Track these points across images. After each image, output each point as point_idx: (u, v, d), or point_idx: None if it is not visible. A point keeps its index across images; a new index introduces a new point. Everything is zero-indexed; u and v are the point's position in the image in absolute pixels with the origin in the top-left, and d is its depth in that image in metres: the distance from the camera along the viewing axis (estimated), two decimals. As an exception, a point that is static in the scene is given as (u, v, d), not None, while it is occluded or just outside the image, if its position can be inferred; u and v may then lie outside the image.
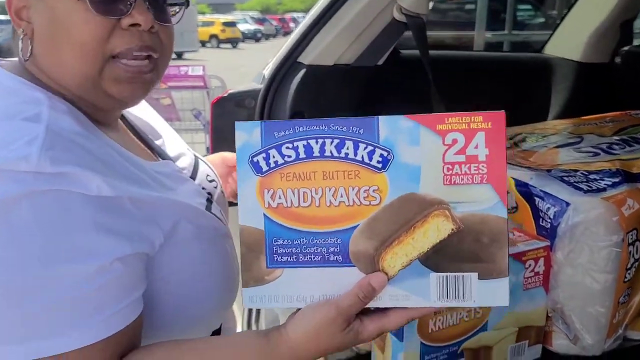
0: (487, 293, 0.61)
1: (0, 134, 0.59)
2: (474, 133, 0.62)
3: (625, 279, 1.02)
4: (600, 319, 1.03)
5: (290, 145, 0.62)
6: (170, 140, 0.87)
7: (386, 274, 0.60)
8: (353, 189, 0.62)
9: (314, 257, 0.62)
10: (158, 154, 0.80)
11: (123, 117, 0.81)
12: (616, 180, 1.07)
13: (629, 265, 1.02)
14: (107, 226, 0.59)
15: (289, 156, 0.62)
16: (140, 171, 0.68)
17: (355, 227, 0.62)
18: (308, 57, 1.42)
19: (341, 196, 0.62)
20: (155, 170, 0.72)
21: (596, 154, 1.25)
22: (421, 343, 0.91)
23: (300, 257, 0.62)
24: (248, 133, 0.62)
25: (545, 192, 1.07)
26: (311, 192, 0.62)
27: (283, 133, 0.62)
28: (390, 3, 1.39)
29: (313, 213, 0.62)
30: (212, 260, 0.74)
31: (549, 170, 1.14)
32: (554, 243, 1.03)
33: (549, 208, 1.06)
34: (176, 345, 0.65)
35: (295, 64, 1.42)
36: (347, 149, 0.62)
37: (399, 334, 0.94)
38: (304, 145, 0.62)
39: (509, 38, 5.56)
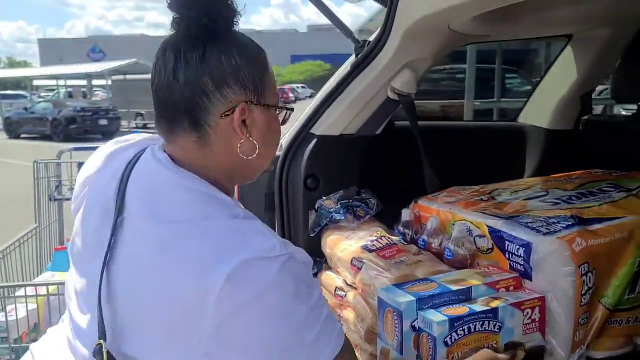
0: None
1: (231, 232, 0.80)
2: (534, 308, 1.19)
3: (582, 303, 1.24)
4: (565, 336, 1.25)
5: (461, 328, 1.10)
6: None
7: None
8: (487, 345, 1.14)
9: None
10: None
11: None
12: (569, 223, 1.32)
13: (583, 292, 1.23)
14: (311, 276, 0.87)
15: (461, 335, 1.10)
16: None
17: None
18: (319, 128, 1.70)
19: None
20: None
21: (557, 204, 1.50)
22: None
23: None
24: (442, 326, 1.09)
25: (513, 236, 1.32)
26: (469, 350, 1.11)
27: (459, 322, 1.10)
28: (385, 84, 1.66)
29: None
30: None
31: (517, 217, 1.39)
32: (529, 274, 1.25)
33: (518, 248, 1.31)
34: None
35: (308, 134, 1.71)
36: (485, 325, 1.13)
37: (398, 348, 1.16)
38: (467, 327, 1.11)
39: (498, 105, 5.87)
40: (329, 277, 1.54)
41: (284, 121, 0.96)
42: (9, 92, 30.26)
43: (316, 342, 0.80)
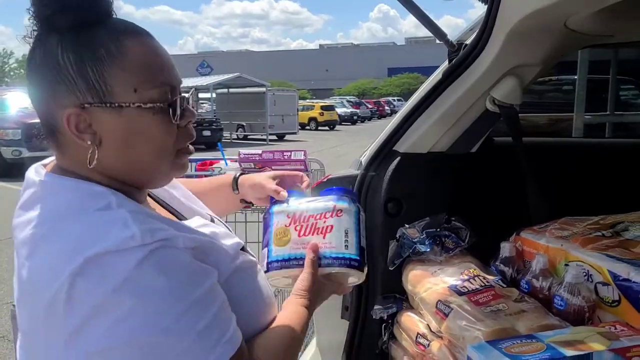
0: None
1: (88, 226, 0.70)
2: None
3: None
4: None
5: None
6: (185, 202, 1.01)
7: None
8: None
9: None
10: (178, 217, 0.95)
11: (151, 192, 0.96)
12: None
13: None
14: (199, 264, 0.76)
15: None
16: (189, 227, 0.83)
17: None
18: (403, 145, 1.49)
19: None
20: (193, 225, 0.85)
21: None
22: None
23: None
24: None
25: (649, 286, 1.03)
26: None
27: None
28: (483, 95, 1.43)
29: None
30: (256, 289, 0.90)
31: (653, 263, 1.10)
32: None
33: (657, 303, 1.02)
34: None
35: (391, 152, 1.50)
36: None
37: None
38: None
39: (612, 119, 5.33)
40: (410, 320, 1.34)
41: (182, 116, 0.80)
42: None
43: (190, 351, 0.70)
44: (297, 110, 22.52)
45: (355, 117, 31.04)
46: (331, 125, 26.58)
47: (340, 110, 29.44)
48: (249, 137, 20.46)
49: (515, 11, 1.21)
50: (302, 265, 0.95)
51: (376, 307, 1.43)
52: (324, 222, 0.97)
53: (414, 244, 1.39)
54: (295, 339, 0.89)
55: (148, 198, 0.92)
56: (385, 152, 1.49)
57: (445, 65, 1.49)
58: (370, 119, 33.57)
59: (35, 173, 0.80)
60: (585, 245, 1.25)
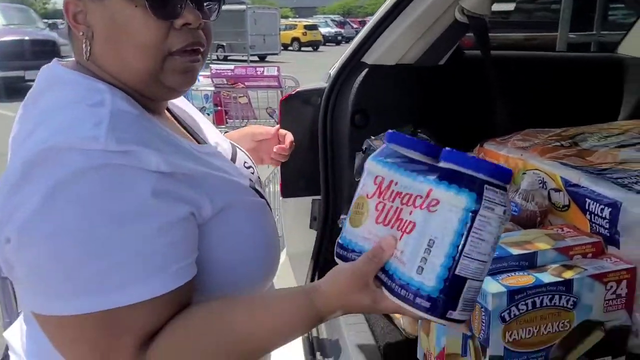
0: None
1: (69, 118, 0.67)
2: (620, 282, 0.97)
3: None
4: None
5: (523, 302, 0.91)
6: (209, 130, 0.94)
7: None
8: (557, 324, 0.94)
9: None
10: (198, 140, 0.87)
11: (167, 108, 0.89)
12: (673, 180, 1.06)
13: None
14: (164, 193, 0.67)
15: (523, 310, 0.91)
16: (186, 149, 0.76)
17: (552, 345, 0.94)
18: (371, 57, 1.48)
19: (550, 329, 0.94)
20: (202, 151, 0.79)
21: (658, 155, 1.23)
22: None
23: None
24: (499, 298, 0.89)
25: (596, 192, 1.08)
26: (533, 329, 0.93)
27: (521, 295, 0.90)
28: (452, 4, 1.41)
29: (531, 341, 0.93)
30: (257, 233, 0.81)
31: (602, 170, 1.14)
32: (615, 240, 1.04)
33: (602, 208, 1.07)
34: (229, 299, 0.73)
35: (358, 63, 1.49)
36: (555, 300, 0.93)
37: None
38: (531, 301, 0.91)
39: (598, 39, 5.27)
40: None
41: (174, 14, 0.73)
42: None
43: (121, 268, 0.64)
44: (279, 30, 21.85)
45: (339, 38, 30.24)
46: (315, 45, 25.93)
47: (324, 30, 28.63)
48: (229, 57, 19.94)
49: None
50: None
51: (342, 216, 1.47)
52: (410, 212, 0.60)
53: (380, 156, 1.41)
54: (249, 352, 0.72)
55: (167, 114, 0.87)
56: (353, 63, 1.48)
57: (416, -26, 1.45)
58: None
59: (47, 67, 0.79)
60: (544, 154, 1.29)
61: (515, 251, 1.00)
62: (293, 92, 1.57)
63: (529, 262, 1.01)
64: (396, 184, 0.61)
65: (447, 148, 0.60)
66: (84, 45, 0.74)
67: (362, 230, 0.63)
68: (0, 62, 10.12)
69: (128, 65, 0.74)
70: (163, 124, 0.79)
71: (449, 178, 0.57)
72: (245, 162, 0.94)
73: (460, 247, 0.55)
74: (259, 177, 0.97)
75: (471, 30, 1.44)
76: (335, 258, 0.67)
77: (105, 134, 0.65)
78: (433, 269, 0.56)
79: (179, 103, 0.94)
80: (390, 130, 0.68)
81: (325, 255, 1.55)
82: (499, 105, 1.54)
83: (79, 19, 0.74)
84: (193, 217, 0.71)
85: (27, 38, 10.64)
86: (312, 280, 1.52)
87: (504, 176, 0.56)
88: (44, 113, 0.71)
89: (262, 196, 0.86)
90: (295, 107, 1.55)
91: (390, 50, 1.46)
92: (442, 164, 0.59)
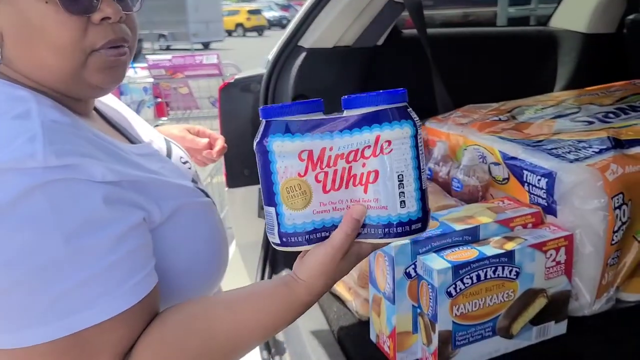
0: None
1: None
2: (559, 249, 1.02)
3: (613, 242, 1.05)
4: (592, 279, 1.07)
5: (468, 276, 0.96)
6: (140, 127, 0.89)
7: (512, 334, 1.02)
8: (501, 294, 0.99)
9: (478, 337, 1.00)
10: (131, 139, 0.83)
11: (95, 108, 0.83)
12: (603, 147, 1.09)
13: (616, 228, 1.05)
14: (116, 200, 0.63)
15: (468, 284, 0.96)
16: (123, 153, 0.71)
17: (499, 315, 1.01)
18: (308, 40, 1.46)
19: (495, 300, 0.99)
20: (136, 152, 0.75)
21: (590, 123, 1.27)
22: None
23: (470, 339, 1.00)
24: (444, 274, 0.94)
25: (532, 164, 1.11)
26: (479, 301, 0.98)
27: (465, 269, 0.95)
28: (387, -16, 1.42)
29: (478, 313, 0.99)
30: (207, 233, 0.79)
31: (538, 142, 1.17)
32: (553, 209, 1.07)
33: (539, 179, 1.10)
34: (206, 301, 0.71)
35: (296, 47, 1.47)
36: (499, 272, 0.98)
37: (390, 297, 1.00)
38: (476, 275, 0.96)
39: (537, 12, 5.39)
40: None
41: (83, 8, 0.67)
42: None
43: (84, 287, 0.60)
44: (222, 16, 21.45)
45: (284, 21, 29.92)
46: (259, 30, 25.63)
47: (268, 14, 28.32)
48: (171, 47, 19.44)
49: None
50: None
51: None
52: (363, 165, 0.61)
53: (323, 139, 1.40)
54: (237, 350, 0.69)
55: (95, 114, 0.81)
56: (290, 48, 1.45)
57: (348, -48, 1.43)
58: (299, 22, 32.51)
59: None
60: (483, 129, 1.31)
61: (458, 227, 1.02)
62: (231, 80, 1.54)
63: (472, 236, 1.02)
64: (331, 148, 0.61)
65: (344, 97, 0.62)
66: None
67: (311, 207, 0.62)
68: None
69: (46, 67, 0.68)
70: (93, 126, 0.74)
71: (385, 118, 0.59)
72: (181, 158, 0.90)
73: (420, 167, 0.61)
74: (196, 171, 0.94)
75: (406, 9, 1.44)
76: (281, 248, 0.64)
77: (42, 149, 0.60)
78: (411, 196, 0.60)
79: (105, 100, 0.88)
80: (260, 107, 0.69)
81: (275, 243, 1.54)
82: (437, 83, 1.55)
83: None
84: (145, 223, 0.68)
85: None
86: (264, 268, 1.51)
87: (405, 95, 0.61)
88: None
89: (207, 195, 0.84)
90: (234, 95, 1.51)
91: (327, 32, 1.44)
92: (355, 112, 0.60)
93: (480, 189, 1.20)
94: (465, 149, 1.28)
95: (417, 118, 0.60)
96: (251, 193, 1.58)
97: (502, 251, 0.98)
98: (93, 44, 0.68)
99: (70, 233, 0.59)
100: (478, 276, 0.96)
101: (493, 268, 0.97)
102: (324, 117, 0.61)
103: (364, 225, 0.62)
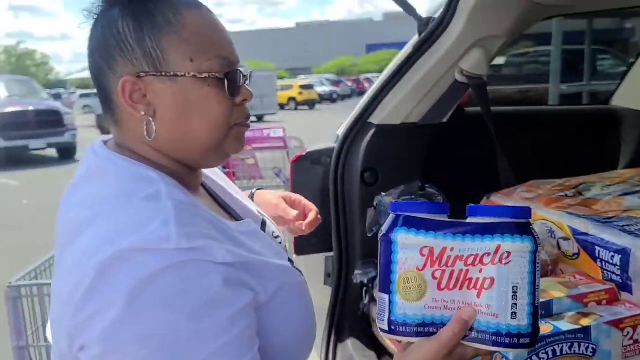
0: None
1: (132, 215, 0.67)
2: (636, 327, 1.00)
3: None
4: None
5: (543, 351, 0.94)
6: (239, 198, 0.94)
7: None
8: None
9: None
10: (232, 214, 0.88)
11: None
12: (678, 225, 1.09)
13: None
14: (232, 281, 0.68)
15: (543, 359, 0.94)
16: (230, 232, 0.75)
17: None
18: (378, 117, 1.55)
19: None
20: (240, 230, 0.79)
21: (661, 201, 1.27)
22: None
23: None
24: None
25: (605, 240, 1.11)
26: None
27: (540, 343, 0.93)
28: (452, 66, 1.49)
29: None
30: (304, 311, 0.82)
31: (609, 219, 1.18)
32: (628, 286, 1.06)
33: (612, 255, 1.10)
34: None
35: (366, 124, 1.56)
36: (575, 348, 0.96)
37: None
38: (551, 350, 0.95)
39: (588, 88, 5.42)
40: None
41: (238, 92, 0.78)
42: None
43: None
44: (276, 90, 22.36)
45: (335, 96, 30.91)
46: (311, 104, 26.44)
47: (319, 89, 29.28)
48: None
49: (478, -15, 1.27)
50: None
51: (356, 272, 1.50)
52: (480, 270, 0.64)
53: (391, 211, 1.45)
54: None
55: (201, 188, 0.87)
56: (360, 124, 1.54)
57: (415, 39, 1.54)
58: (350, 96, 33.44)
59: (92, 149, 0.79)
60: (549, 204, 1.33)
61: (531, 300, 1.03)
62: (303, 153, 1.63)
63: (545, 310, 1.03)
64: (451, 249, 0.64)
65: (469, 205, 0.66)
66: (147, 125, 0.74)
67: (424, 301, 0.65)
68: (4, 133, 10.31)
69: (196, 140, 0.76)
70: (204, 203, 0.80)
71: (508, 230, 0.63)
72: (273, 232, 0.94)
73: (535, 283, 0.63)
74: (285, 246, 0.97)
75: (471, 89, 1.51)
76: (389, 335, 0.67)
77: (176, 232, 0.65)
78: (523, 310, 0.63)
79: (209, 172, 0.95)
80: (392, 201, 0.74)
81: (342, 310, 1.57)
82: (501, 159, 1.59)
83: (135, 99, 0.73)
84: (252, 304, 0.71)
85: (30, 108, 10.82)
86: (329, 336, 1.53)
87: (529, 213, 0.65)
88: (99, 204, 0.71)
89: (301, 273, 0.86)
90: (305, 167, 1.60)
91: (396, 110, 1.53)
92: (479, 220, 0.64)
93: (550, 263, 1.21)
94: (533, 224, 1.30)
95: (538, 236, 0.64)
96: (317, 261, 1.63)
97: (578, 327, 0.97)
98: (236, 119, 0.78)
99: (195, 312, 0.64)
100: (554, 351, 0.96)
101: (569, 344, 0.96)
102: (449, 219, 0.65)
103: (471, 329, 0.64)
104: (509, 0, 1.33)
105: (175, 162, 0.78)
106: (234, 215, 0.88)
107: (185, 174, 0.80)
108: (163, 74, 0.73)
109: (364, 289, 1.53)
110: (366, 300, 1.53)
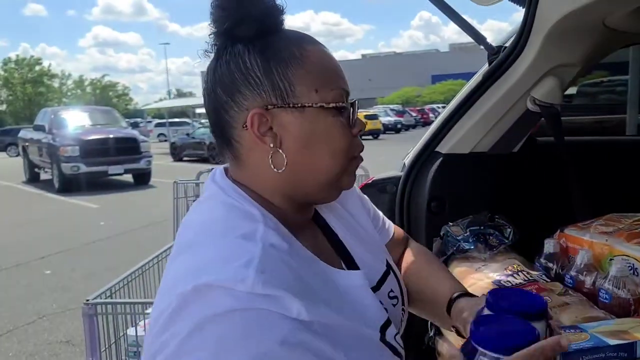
0: None
1: (221, 252, 0.68)
2: None
3: None
4: None
5: None
6: (364, 245, 0.91)
7: None
8: None
9: None
10: (345, 259, 0.86)
11: (321, 218, 0.88)
12: None
13: None
14: (296, 344, 0.63)
15: None
16: (327, 285, 0.74)
17: None
18: (445, 146, 1.53)
19: None
20: (339, 282, 0.77)
21: None
22: None
23: None
24: None
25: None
26: None
27: None
28: (524, 95, 1.45)
29: None
30: None
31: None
32: None
33: None
34: None
35: (433, 153, 1.54)
36: None
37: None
38: None
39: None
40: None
41: (355, 122, 0.79)
42: (176, 119, 33.80)
43: None
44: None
45: (399, 126, 30.82)
46: (375, 134, 26.47)
47: (384, 119, 29.30)
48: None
49: (552, 12, 1.24)
50: None
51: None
52: None
53: (458, 242, 1.42)
54: None
55: (314, 225, 0.87)
56: (427, 153, 1.53)
57: (485, 68, 1.52)
58: (414, 127, 33.26)
59: (212, 175, 0.82)
60: (631, 239, 1.26)
61: (612, 341, 0.97)
62: (369, 181, 1.63)
63: (628, 353, 0.96)
64: None
65: None
66: (273, 156, 0.76)
67: None
68: (86, 159, 11.04)
69: (321, 169, 0.77)
70: (306, 238, 0.79)
71: None
72: (390, 292, 0.90)
73: None
74: (402, 310, 0.92)
75: (544, 118, 1.47)
76: None
77: (253, 275, 0.64)
78: None
79: (336, 214, 0.93)
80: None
81: (407, 344, 1.53)
82: (575, 191, 1.52)
83: (262, 131, 0.75)
84: None
85: (111, 136, 11.63)
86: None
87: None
88: (201, 232, 0.73)
89: (395, 352, 0.81)
90: (372, 195, 1.60)
91: (464, 139, 1.51)
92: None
93: (633, 302, 1.14)
94: (612, 259, 1.23)
95: None
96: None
97: (665, 372, 0.91)
98: (354, 151, 0.80)
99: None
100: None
101: (655, 390, 0.90)
102: None
103: None
104: (584, 27, 1.29)
105: (287, 200, 0.79)
106: (347, 260, 0.87)
107: (292, 211, 0.80)
108: (291, 105, 0.75)
109: (430, 321, 1.49)
110: (432, 333, 1.49)
